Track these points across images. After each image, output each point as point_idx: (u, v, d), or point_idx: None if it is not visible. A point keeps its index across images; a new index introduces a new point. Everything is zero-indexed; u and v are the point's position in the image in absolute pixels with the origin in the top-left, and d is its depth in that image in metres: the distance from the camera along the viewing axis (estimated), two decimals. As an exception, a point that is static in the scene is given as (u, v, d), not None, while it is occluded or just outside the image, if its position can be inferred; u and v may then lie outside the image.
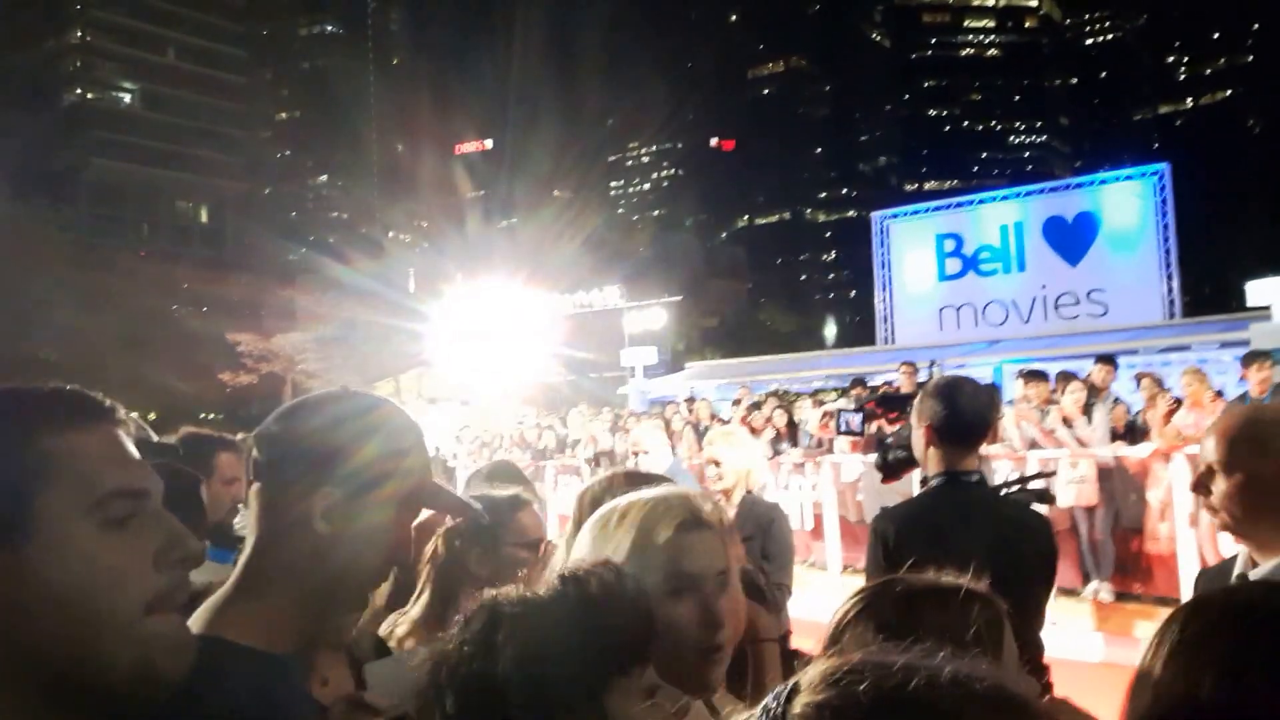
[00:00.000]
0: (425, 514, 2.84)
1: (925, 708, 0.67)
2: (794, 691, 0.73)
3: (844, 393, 16.91)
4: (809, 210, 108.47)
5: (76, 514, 0.93)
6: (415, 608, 2.61)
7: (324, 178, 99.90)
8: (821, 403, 14.20)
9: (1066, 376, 9.50)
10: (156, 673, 0.95)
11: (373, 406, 1.39)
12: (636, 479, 2.61)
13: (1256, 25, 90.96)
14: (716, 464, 4.24)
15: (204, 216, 76.20)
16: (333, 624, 1.44)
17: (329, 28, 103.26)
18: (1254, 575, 2.08)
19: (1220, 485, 2.12)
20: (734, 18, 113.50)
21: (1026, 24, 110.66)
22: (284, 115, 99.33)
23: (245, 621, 1.26)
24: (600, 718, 1.15)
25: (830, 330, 65.81)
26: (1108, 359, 10.23)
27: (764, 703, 0.74)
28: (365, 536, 1.31)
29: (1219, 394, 8.97)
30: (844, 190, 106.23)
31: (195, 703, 1.04)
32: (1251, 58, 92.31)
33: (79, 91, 72.58)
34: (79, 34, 73.41)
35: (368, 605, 1.69)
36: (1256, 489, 2.06)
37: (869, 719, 0.68)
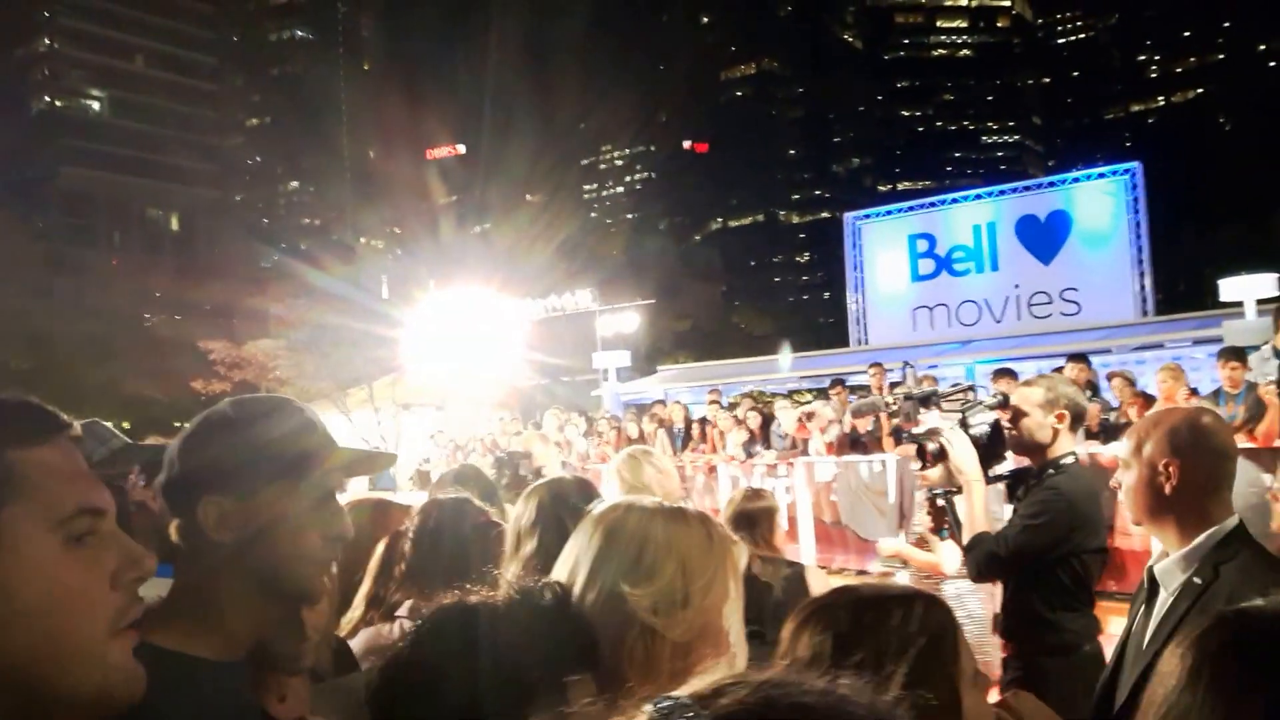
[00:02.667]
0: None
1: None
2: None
3: (820, 394, 16.87)
4: (783, 212, 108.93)
5: (42, 529, 0.92)
6: (354, 613, 2.59)
7: (295, 184, 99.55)
8: (798, 404, 14.20)
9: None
10: (114, 698, 0.95)
11: (255, 413, 1.40)
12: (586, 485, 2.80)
13: (1227, 24, 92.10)
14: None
15: (175, 224, 76.06)
16: (281, 632, 1.46)
17: (299, 33, 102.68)
18: (1159, 567, 2.33)
19: (1126, 480, 2.36)
20: (705, 20, 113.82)
21: (998, 24, 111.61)
22: (255, 121, 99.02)
23: (178, 629, 1.28)
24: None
25: (804, 332, 66.12)
26: (1080, 357, 10.27)
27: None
28: (275, 537, 1.33)
29: (1194, 391, 9.00)
30: (818, 192, 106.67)
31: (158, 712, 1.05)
32: (1222, 56, 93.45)
33: (48, 99, 72.51)
34: (47, 41, 73.23)
35: (303, 621, 1.65)
36: (1153, 485, 2.29)
37: None
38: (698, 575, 1.52)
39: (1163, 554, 2.35)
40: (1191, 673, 0.93)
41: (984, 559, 3.35)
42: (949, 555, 4.84)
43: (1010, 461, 3.73)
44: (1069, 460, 3.39)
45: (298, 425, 1.41)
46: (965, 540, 3.45)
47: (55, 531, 0.93)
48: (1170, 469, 2.25)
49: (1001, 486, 3.74)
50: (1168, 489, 2.26)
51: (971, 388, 4.72)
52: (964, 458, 3.41)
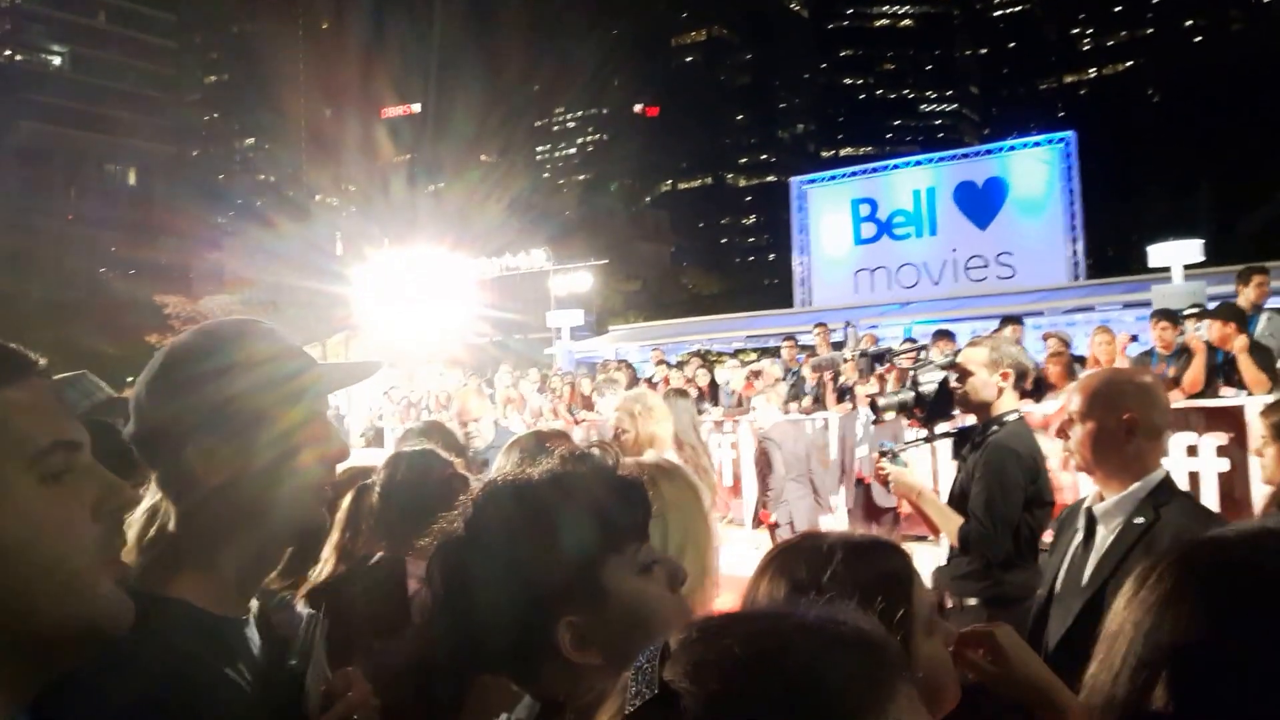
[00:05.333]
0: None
1: (792, 652, 0.71)
2: (666, 649, 0.74)
3: (766, 353, 17.22)
4: (730, 175, 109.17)
5: (17, 468, 0.91)
6: (324, 568, 2.59)
7: (251, 141, 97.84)
8: (744, 363, 14.49)
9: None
10: (99, 629, 0.95)
11: (224, 342, 1.31)
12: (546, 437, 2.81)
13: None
14: (623, 431, 4.11)
15: (131, 179, 74.52)
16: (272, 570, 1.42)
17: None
18: (1098, 508, 2.56)
19: (1076, 432, 2.60)
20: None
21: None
22: (212, 79, 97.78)
23: (199, 587, 1.25)
24: (597, 591, 1.18)
25: (750, 293, 66.46)
26: (1014, 319, 10.61)
27: (636, 662, 0.74)
28: (271, 469, 1.28)
29: (1132, 337, 9.42)
30: (764, 156, 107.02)
31: (160, 659, 1.06)
32: (1151, 30, 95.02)
33: (7, 53, 70.69)
34: None
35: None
36: (1102, 437, 2.54)
37: (741, 669, 0.70)
38: (697, 529, 1.77)
39: (1097, 496, 2.59)
40: (1171, 594, 0.91)
41: (984, 547, 3.39)
42: None
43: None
44: (1012, 416, 3.55)
45: (272, 347, 1.33)
46: (952, 536, 3.51)
47: (30, 469, 0.92)
48: (1127, 420, 2.49)
49: (949, 443, 3.85)
50: (1122, 438, 2.49)
51: (925, 347, 5.02)
52: (904, 483, 3.55)
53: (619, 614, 1.17)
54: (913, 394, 3.76)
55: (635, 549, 1.23)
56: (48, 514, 0.91)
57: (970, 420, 3.73)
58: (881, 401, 3.83)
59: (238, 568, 1.28)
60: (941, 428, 3.82)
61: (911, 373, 3.86)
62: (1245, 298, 8.26)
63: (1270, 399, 5.14)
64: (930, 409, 3.73)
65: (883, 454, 3.66)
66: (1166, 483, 2.52)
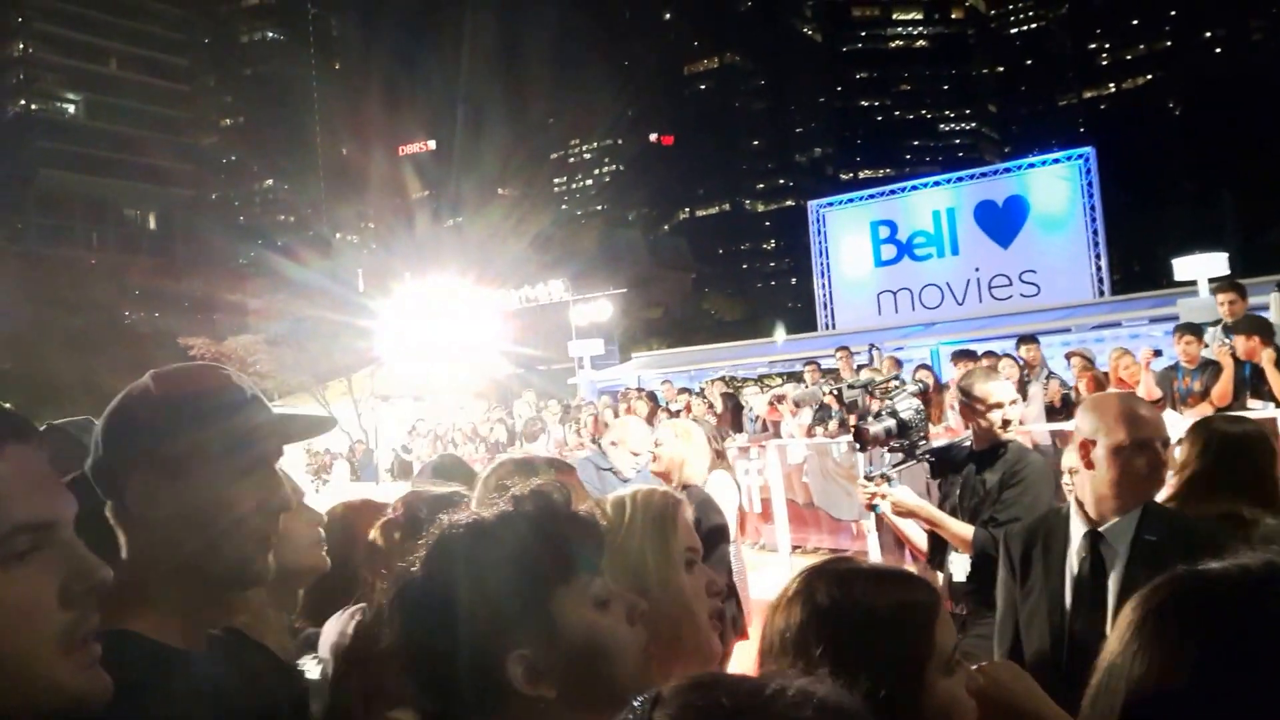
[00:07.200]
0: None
1: (773, 710, 0.77)
2: (658, 698, 0.80)
3: (791, 377, 17.15)
4: (748, 201, 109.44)
5: None
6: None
7: (270, 181, 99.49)
8: (767, 388, 14.46)
9: (992, 356, 9.83)
10: (75, 710, 0.91)
11: (178, 383, 1.32)
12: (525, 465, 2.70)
13: (1173, 12, 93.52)
14: (659, 445, 4.41)
15: (152, 222, 75.86)
16: (221, 616, 1.40)
17: (270, 34, 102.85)
18: (1105, 529, 2.55)
19: (1104, 455, 2.57)
20: (668, 16, 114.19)
21: (953, 15, 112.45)
22: (228, 121, 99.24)
23: (148, 618, 1.23)
24: (547, 625, 1.20)
25: (773, 317, 66.28)
26: (1030, 338, 10.54)
27: (630, 705, 0.81)
28: (208, 512, 1.26)
29: (1156, 353, 9.37)
30: (781, 181, 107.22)
31: (120, 699, 1.02)
32: (1169, 44, 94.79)
33: (23, 103, 72.20)
34: (21, 46, 73.06)
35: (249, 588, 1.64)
36: (1115, 457, 2.53)
37: (725, 716, 0.76)
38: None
39: (1086, 517, 2.59)
40: (1137, 625, 0.95)
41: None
42: None
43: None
44: (1010, 437, 3.73)
45: (224, 392, 1.31)
46: (965, 545, 3.61)
47: None
48: (1143, 448, 2.52)
49: (924, 465, 4.02)
50: (1143, 465, 2.51)
51: (898, 375, 5.05)
52: (905, 503, 3.72)
53: (570, 646, 1.20)
54: (894, 421, 3.87)
55: (587, 581, 1.25)
56: (6, 598, 0.87)
57: (942, 441, 3.94)
58: (872, 429, 3.89)
59: (184, 605, 1.26)
60: (922, 449, 3.93)
61: (888, 400, 3.95)
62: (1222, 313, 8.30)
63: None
64: (911, 433, 3.86)
65: (869, 478, 3.77)
66: (1155, 503, 2.61)
